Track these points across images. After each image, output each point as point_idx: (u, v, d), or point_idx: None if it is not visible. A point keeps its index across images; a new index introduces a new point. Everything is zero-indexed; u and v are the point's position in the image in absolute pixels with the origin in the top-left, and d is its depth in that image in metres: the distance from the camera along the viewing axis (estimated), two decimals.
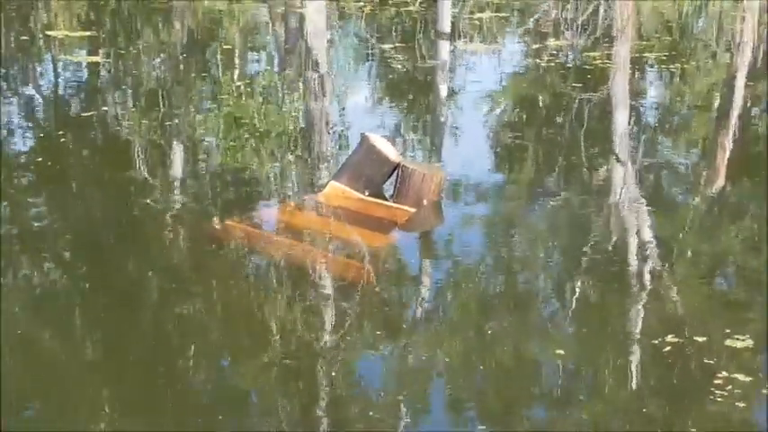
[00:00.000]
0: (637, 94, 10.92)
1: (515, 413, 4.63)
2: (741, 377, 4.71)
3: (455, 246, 6.54)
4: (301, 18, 14.61)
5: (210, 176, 7.73)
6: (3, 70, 11.26)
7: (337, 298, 5.67)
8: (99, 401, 4.54)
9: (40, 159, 7.99)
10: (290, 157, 8.29)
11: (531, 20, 15.21)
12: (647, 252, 6.41)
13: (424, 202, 6.89)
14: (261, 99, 10.15)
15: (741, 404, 4.51)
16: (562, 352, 5.03)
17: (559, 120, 9.90)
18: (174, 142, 8.54)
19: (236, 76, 11.09)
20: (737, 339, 5.09)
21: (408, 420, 4.48)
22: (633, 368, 4.98)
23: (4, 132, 8.65)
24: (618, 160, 8.48)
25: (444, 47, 13.28)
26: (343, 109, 10.17)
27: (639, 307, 5.66)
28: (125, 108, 9.60)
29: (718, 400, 4.55)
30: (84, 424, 4.36)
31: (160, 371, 4.85)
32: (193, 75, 11.25)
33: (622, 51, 12.85)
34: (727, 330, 5.18)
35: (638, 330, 5.36)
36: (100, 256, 6.19)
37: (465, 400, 4.70)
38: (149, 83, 10.72)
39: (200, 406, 4.60)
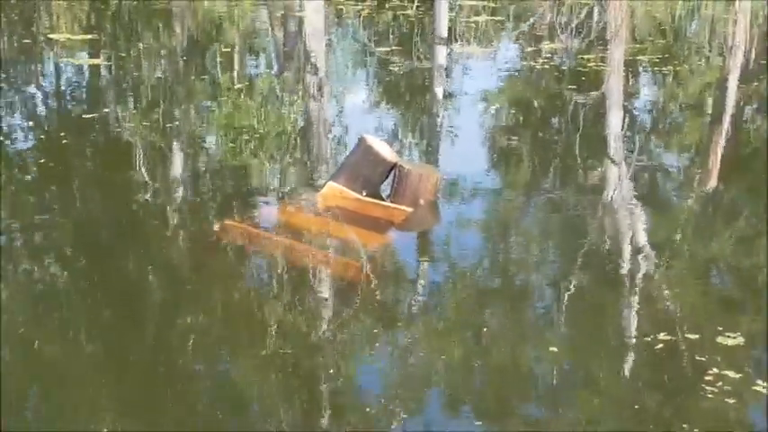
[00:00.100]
0: (631, 95, 10.94)
1: (510, 409, 4.64)
2: (731, 374, 4.73)
3: (451, 245, 6.56)
4: (300, 21, 14.63)
5: (210, 177, 7.74)
6: (4, 73, 11.26)
7: (335, 297, 5.69)
8: (99, 401, 4.53)
9: (42, 160, 8.00)
10: (289, 158, 8.31)
11: (527, 23, 15.23)
12: (641, 251, 6.42)
13: (421, 201, 6.90)
14: (260, 101, 10.17)
15: (731, 400, 4.53)
16: (555, 349, 5.05)
17: (554, 121, 9.92)
18: (174, 143, 8.56)
19: (235, 79, 11.11)
20: (729, 337, 5.10)
21: (405, 417, 4.49)
22: (626, 365, 4.99)
23: (6, 133, 8.65)
24: (612, 161, 8.50)
25: (441, 50, 13.30)
26: (341, 110, 10.19)
27: (633, 305, 5.67)
28: (126, 110, 9.60)
29: (709, 396, 4.57)
30: (85, 424, 4.34)
31: (160, 370, 4.84)
32: (193, 77, 11.27)
33: (616, 54, 12.89)
34: (720, 328, 5.19)
35: (630, 328, 5.38)
36: (100, 256, 6.19)
37: (461, 396, 4.72)
38: (150, 85, 10.73)
39: (200, 404, 4.60)
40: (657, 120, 10.23)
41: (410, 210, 6.80)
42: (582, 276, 6.03)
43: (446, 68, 12.34)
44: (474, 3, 16.35)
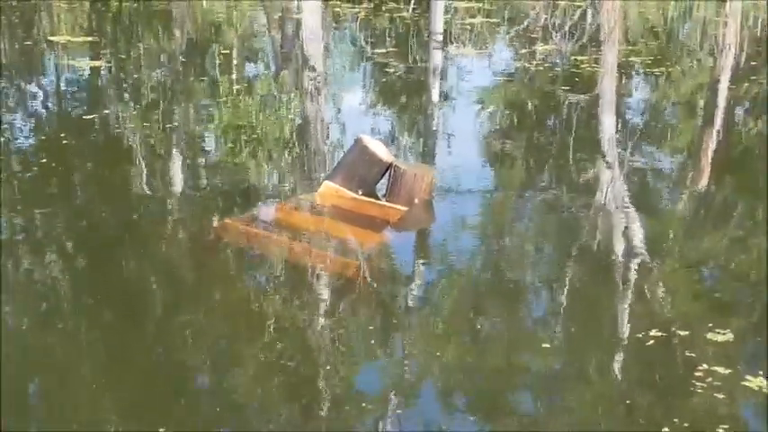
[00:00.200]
0: (624, 96, 10.96)
1: (503, 404, 4.65)
2: (721, 369, 4.75)
3: (446, 243, 6.57)
4: (298, 24, 14.64)
5: (209, 176, 7.75)
6: (6, 74, 11.27)
7: (332, 294, 5.70)
8: (98, 400, 4.54)
9: (44, 160, 8.00)
10: (287, 158, 8.32)
11: (521, 25, 15.24)
12: (633, 250, 6.44)
13: (416, 200, 6.92)
14: (258, 102, 10.18)
15: (720, 395, 4.55)
16: (548, 345, 5.07)
17: (548, 122, 9.94)
18: (174, 143, 8.56)
19: (233, 80, 11.11)
20: (719, 333, 5.12)
21: (401, 412, 4.50)
22: (617, 361, 5.01)
23: (8, 134, 8.66)
24: (605, 161, 8.51)
25: (437, 52, 13.32)
26: (338, 111, 10.20)
27: (624, 303, 5.69)
28: (126, 111, 9.61)
29: (699, 391, 4.58)
30: (84, 424, 4.34)
31: (159, 369, 4.85)
32: (192, 78, 11.28)
33: (609, 56, 12.91)
34: (710, 325, 5.21)
35: (622, 325, 5.39)
36: (98, 254, 6.19)
37: (456, 391, 4.73)
38: (149, 86, 10.73)
39: (199, 402, 4.61)
40: (650, 120, 10.25)
41: (405, 209, 6.82)
42: (575, 274, 6.05)
43: (442, 70, 12.35)
44: (469, 5, 16.36)
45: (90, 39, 13.12)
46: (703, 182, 8.03)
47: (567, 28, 14.58)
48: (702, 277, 6.24)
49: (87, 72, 11.34)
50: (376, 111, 10.27)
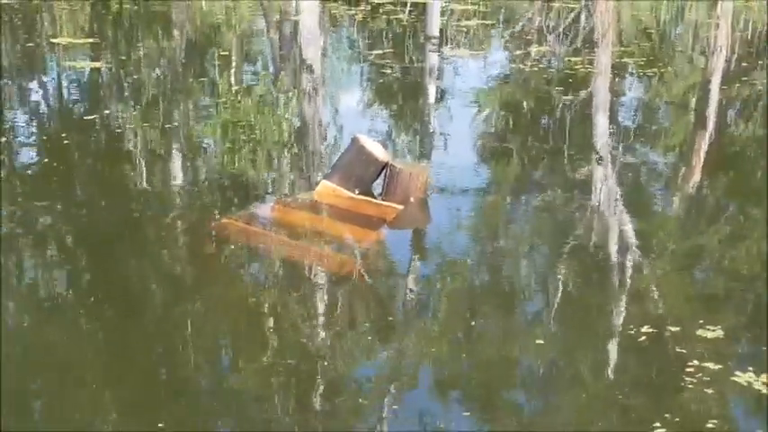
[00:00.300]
0: (617, 96, 10.97)
1: (497, 398, 4.66)
2: (711, 365, 4.76)
3: (441, 241, 6.58)
4: (295, 26, 14.64)
5: (208, 176, 7.75)
6: (8, 75, 11.26)
7: (330, 291, 5.71)
8: (98, 397, 4.53)
9: (46, 160, 8.00)
10: (285, 158, 8.33)
11: (516, 27, 15.25)
12: (626, 247, 6.45)
13: (412, 199, 6.93)
14: (257, 102, 10.18)
15: (710, 391, 4.56)
16: (542, 342, 5.08)
17: (543, 121, 9.94)
18: (173, 143, 8.56)
19: (233, 81, 11.12)
20: (709, 330, 5.13)
21: (396, 407, 4.51)
22: (609, 356, 5.02)
23: (10, 134, 8.65)
24: (598, 159, 8.52)
25: (433, 53, 13.32)
26: (336, 111, 10.21)
27: (617, 300, 5.70)
28: (126, 111, 9.60)
29: (689, 387, 4.59)
30: (84, 420, 4.34)
31: (158, 368, 4.85)
32: (191, 79, 11.27)
33: (603, 57, 12.90)
34: (701, 321, 5.22)
35: (615, 321, 5.40)
36: (98, 252, 6.20)
37: (451, 386, 4.74)
38: (149, 87, 10.73)
39: (198, 400, 4.61)
40: (643, 120, 10.25)
41: (401, 207, 6.83)
42: (568, 272, 6.05)
43: (438, 71, 12.36)
44: (465, 7, 16.36)
45: (91, 40, 13.11)
46: (695, 181, 8.04)
47: (561, 30, 14.58)
48: (694, 275, 6.25)
49: (87, 73, 11.32)
50: (373, 111, 10.27)
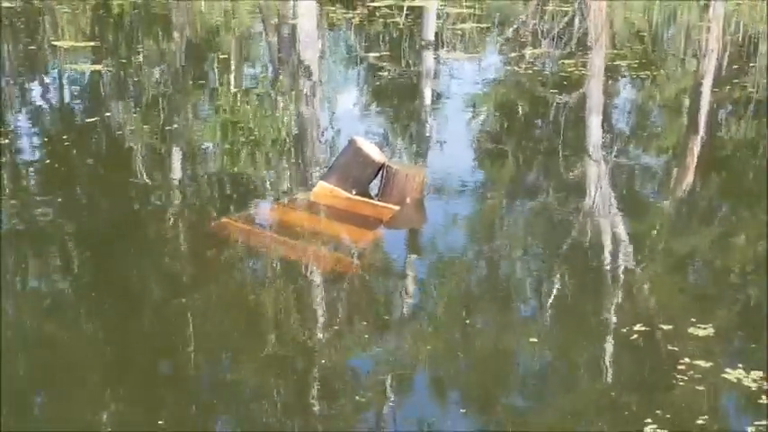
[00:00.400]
0: (610, 98, 10.98)
1: (491, 396, 4.67)
2: (702, 363, 4.77)
3: (437, 240, 6.59)
4: (293, 29, 14.65)
5: (208, 177, 7.76)
6: (10, 78, 11.27)
7: (328, 290, 5.72)
8: (97, 398, 4.53)
9: (48, 161, 8.00)
10: (283, 159, 8.34)
11: (511, 30, 15.26)
12: (619, 247, 6.46)
13: (408, 200, 6.94)
14: (256, 105, 10.19)
15: (701, 388, 4.57)
16: (535, 340, 5.09)
17: (537, 123, 9.96)
18: (173, 145, 8.57)
19: (232, 84, 11.12)
20: (700, 328, 5.14)
21: (392, 404, 4.52)
22: (602, 354, 5.03)
23: (11, 135, 8.65)
24: (592, 160, 8.53)
25: (428, 56, 13.33)
26: (333, 113, 10.22)
27: (610, 298, 5.71)
28: (126, 113, 9.61)
29: (680, 384, 4.61)
30: (84, 422, 4.32)
31: (158, 366, 4.86)
32: (191, 82, 11.28)
33: (596, 59, 12.92)
34: (692, 319, 5.23)
35: (607, 320, 5.41)
36: (98, 252, 6.20)
37: (446, 384, 4.75)
38: (150, 90, 10.73)
39: (197, 397, 4.61)
40: (636, 121, 10.27)
41: (397, 208, 6.83)
42: (562, 271, 6.06)
43: (433, 73, 12.37)
44: (460, 11, 16.38)
45: (92, 43, 13.11)
46: (688, 181, 8.05)
47: (555, 33, 14.60)
48: (686, 274, 6.26)
49: (88, 75, 11.32)
50: (369, 113, 10.28)
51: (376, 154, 7.09)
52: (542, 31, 14.66)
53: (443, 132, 9.47)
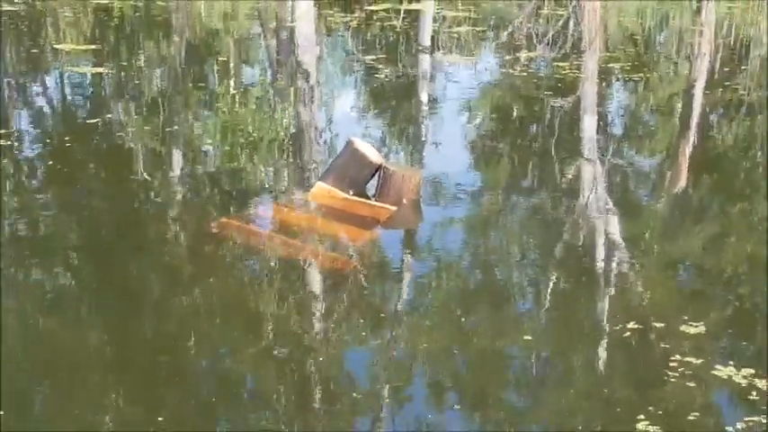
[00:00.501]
0: (604, 101, 11.00)
1: (485, 393, 4.68)
2: (693, 360, 4.79)
3: (432, 240, 6.61)
4: (292, 32, 14.65)
5: (207, 177, 7.76)
6: (11, 80, 11.27)
7: (325, 288, 5.74)
8: (97, 396, 4.53)
9: (50, 162, 8.00)
10: (282, 160, 8.35)
11: (506, 33, 15.27)
12: (613, 247, 6.48)
13: (404, 200, 6.95)
14: (255, 107, 10.19)
15: (692, 384, 4.59)
16: (530, 338, 5.10)
17: (532, 125, 9.97)
18: (173, 146, 8.57)
19: (231, 86, 11.12)
20: (692, 326, 5.16)
21: (389, 401, 4.53)
22: (595, 351, 5.05)
23: (13, 136, 8.65)
24: (586, 161, 8.55)
25: (425, 59, 13.34)
26: (331, 115, 10.22)
27: (604, 297, 5.74)
28: (127, 115, 9.61)
29: (672, 380, 4.63)
30: (84, 420, 4.32)
31: (158, 365, 4.85)
32: (191, 84, 11.28)
33: (590, 62, 12.92)
34: (685, 317, 5.25)
35: (601, 318, 5.43)
36: (99, 252, 6.21)
37: (442, 381, 4.77)
38: (150, 92, 10.73)
39: (196, 396, 4.62)
40: (629, 123, 10.29)
41: (394, 208, 6.85)
42: (557, 270, 6.08)
43: (429, 76, 12.38)
44: (456, 14, 16.38)
45: (93, 46, 13.11)
46: (681, 182, 8.07)
47: (549, 36, 14.61)
48: (678, 273, 6.28)
49: (90, 78, 11.31)
50: (366, 115, 10.29)
51: (373, 155, 7.10)
52: (537, 35, 14.67)
53: (439, 134, 9.49)
